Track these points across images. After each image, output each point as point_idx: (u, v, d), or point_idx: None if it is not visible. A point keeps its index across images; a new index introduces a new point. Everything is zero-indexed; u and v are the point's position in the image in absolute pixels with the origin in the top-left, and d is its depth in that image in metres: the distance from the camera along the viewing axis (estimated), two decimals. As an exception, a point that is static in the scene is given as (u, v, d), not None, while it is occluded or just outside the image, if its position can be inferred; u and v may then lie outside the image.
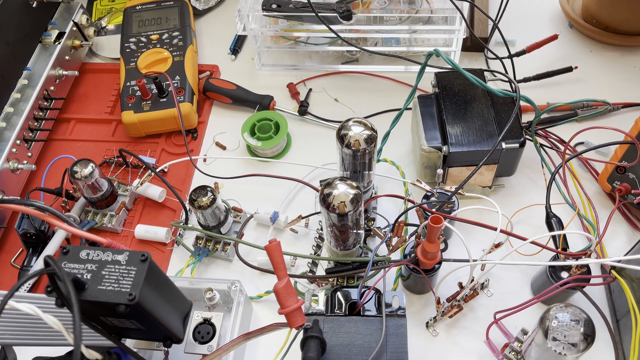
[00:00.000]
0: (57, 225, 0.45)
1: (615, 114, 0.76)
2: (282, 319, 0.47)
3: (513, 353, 0.56)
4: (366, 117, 0.78)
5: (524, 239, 0.55)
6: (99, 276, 0.41)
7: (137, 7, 0.86)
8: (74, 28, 0.83)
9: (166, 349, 0.52)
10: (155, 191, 0.70)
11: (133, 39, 0.82)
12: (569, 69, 0.77)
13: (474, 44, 0.82)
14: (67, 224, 0.44)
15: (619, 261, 0.53)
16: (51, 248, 0.63)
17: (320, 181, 0.71)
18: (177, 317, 0.48)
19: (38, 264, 0.64)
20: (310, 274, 0.63)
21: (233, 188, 0.72)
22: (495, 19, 0.78)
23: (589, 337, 0.46)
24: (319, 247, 0.66)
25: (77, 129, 0.81)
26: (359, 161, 0.59)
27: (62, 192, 0.69)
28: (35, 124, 0.75)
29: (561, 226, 0.60)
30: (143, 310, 0.41)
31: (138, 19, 0.85)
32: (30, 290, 0.64)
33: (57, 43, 0.80)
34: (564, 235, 0.58)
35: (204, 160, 0.76)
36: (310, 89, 0.82)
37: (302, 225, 0.68)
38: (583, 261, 0.54)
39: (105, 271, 0.41)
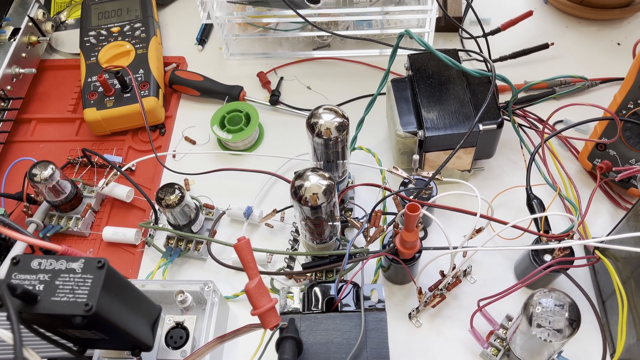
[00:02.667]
0: (8, 235, 0.42)
1: (594, 89, 0.74)
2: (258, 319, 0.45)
3: (498, 340, 0.55)
4: (340, 104, 0.76)
5: (505, 223, 0.53)
6: (52, 287, 0.38)
7: (96, -1, 0.82)
8: (30, 23, 0.79)
9: (135, 357, 0.49)
10: (122, 191, 0.67)
11: (93, 33, 0.79)
12: (545, 46, 0.75)
13: (448, 23, 0.80)
14: (18, 232, 0.41)
15: (602, 242, 0.52)
16: (9, 259, 0.60)
17: (295, 173, 0.68)
18: (144, 324, 0.46)
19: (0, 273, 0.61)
20: (288, 270, 0.61)
21: (204, 184, 0.69)
22: (469, -3, 0.75)
23: (575, 322, 0.45)
24: (295, 241, 0.63)
25: (39, 130, 0.77)
26: (331, 150, 0.56)
27: (24, 196, 0.66)
28: (-7, 126, 0.71)
29: (542, 208, 0.58)
30: (103, 320, 0.39)
31: (97, 11, 0.81)
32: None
33: (12, 40, 0.76)
34: (546, 217, 0.57)
35: (173, 156, 0.73)
36: (282, 78, 0.79)
37: (277, 220, 0.65)
38: (565, 243, 0.53)
39: (59, 281, 0.38)
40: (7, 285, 0.35)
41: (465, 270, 0.60)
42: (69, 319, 0.37)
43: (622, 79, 0.72)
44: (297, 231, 0.64)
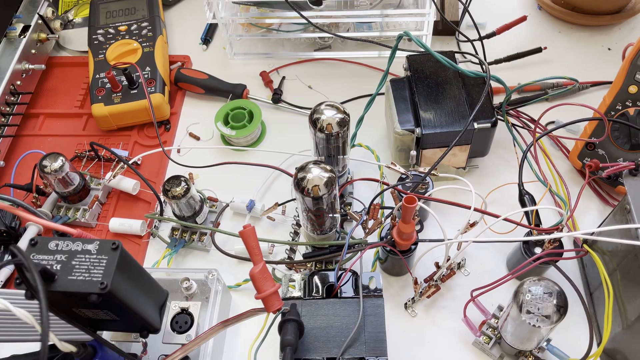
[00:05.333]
0: (27, 219, 0.44)
1: (585, 92, 0.77)
2: (261, 305, 0.47)
3: (490, 329, 0.57)
4: (341, 104, 0.78)
5: (498, 217, 0.55)
6: (69, 266, 0.40)
7: (104, -1, 0.85)
8: (40, 21, 0.81)
9: (143, 339, 0.51)
10: (128, 184, 0.69)
11: (101, 31, 0.81)
12: (538, 50, 0.78)
13: (445, 27, 0.82)
14: (36, 216, 0.43)
15: (591, 234, 0.54)
16: (22, 244, 0.62)
17: (296, 168, 0.70)
18: (153, 307, 0.48)
19: (10, 262, 0.63)
20: (288, 260, 0.63)
21: (208, 178, 0.71)
22: (466, 2, 0.78)
23: (562, 308, 0.47)
24: (296, 233, 0.66)
25: (47, 124, 0.79)
26: (332, 145, 0.59)
27: (33, 187, 0.68)
28: (2, 119, 0.73)
29: (533, 203, 0.61)
30: (116, 300, 0.41)
31: (105, 11, 0.83)
32: (3, 287, 0.62)
33: (22, 37, 0.78)
34: (537, 212, 0.59)
35: (178, 151, 0.75)
36: (284, 77, 0.82)
37: (279, 213, 0.67)
38: (555, 235, 0.55)
39: (75, 261, 0.40)
40: (23, 264, 0.36)
41: (460, 263, 0.63)
42: (85, 297, 0.39)
43: (612, 82, 0.75)
44: (297, 224, 0.66)
